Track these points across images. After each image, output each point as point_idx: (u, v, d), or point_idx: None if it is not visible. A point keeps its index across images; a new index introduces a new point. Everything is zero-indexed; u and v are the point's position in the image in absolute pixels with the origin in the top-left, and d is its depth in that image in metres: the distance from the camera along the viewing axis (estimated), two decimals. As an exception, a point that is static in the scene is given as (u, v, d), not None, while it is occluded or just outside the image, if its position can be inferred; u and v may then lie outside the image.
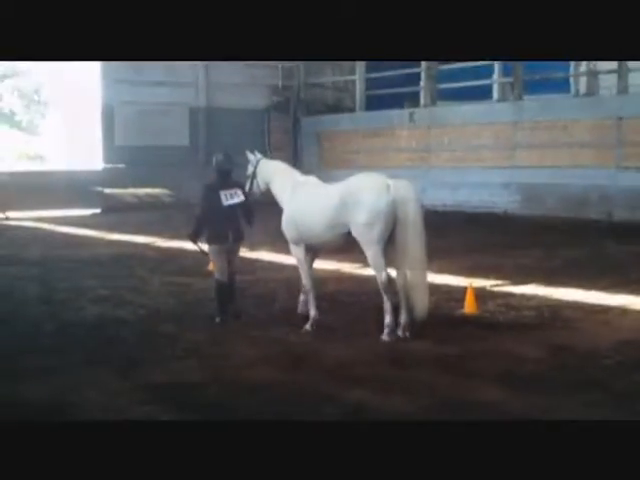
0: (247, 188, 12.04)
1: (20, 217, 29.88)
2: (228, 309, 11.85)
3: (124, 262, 17.86)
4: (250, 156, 12.30)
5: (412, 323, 10.58)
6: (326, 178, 12.17)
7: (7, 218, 30.04)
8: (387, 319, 10.54)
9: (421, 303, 10.47)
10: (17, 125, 60.60)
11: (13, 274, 16.32)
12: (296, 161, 35.66)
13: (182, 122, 35.33)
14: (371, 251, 10.53)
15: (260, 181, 12.05)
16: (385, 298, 10.58)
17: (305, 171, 12.90)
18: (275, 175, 11.92)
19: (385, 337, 10.48)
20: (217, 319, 11.69)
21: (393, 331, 10.53)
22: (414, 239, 10.35)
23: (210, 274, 12.85)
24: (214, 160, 11.97)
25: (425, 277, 10.63)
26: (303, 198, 11.32)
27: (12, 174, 37.15)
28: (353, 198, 10.55)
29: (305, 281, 11.52)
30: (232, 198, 11.64)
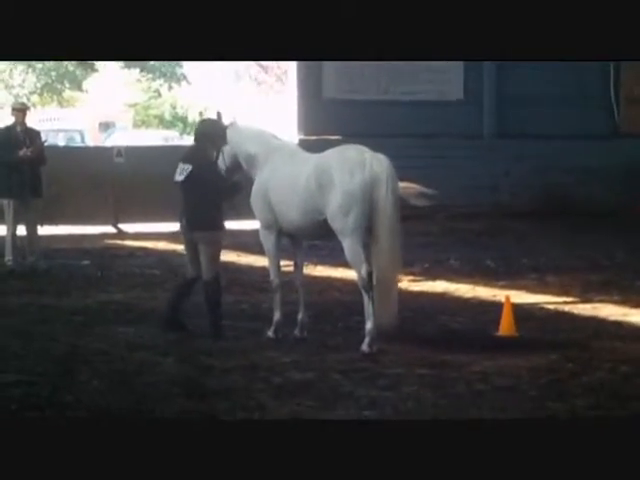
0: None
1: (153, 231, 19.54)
2: (182, 307, 9.88)
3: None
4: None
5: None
6: None
7: (120, 232, 20.10)
8: (369, 325, 8.89)
9: (388, 308, 9.01)
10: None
11: (129, 344, 9.53)
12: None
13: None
14: (347, 241, 9.06)
15: (226, 154, 9.82)
16: (366, 298, 8.92)
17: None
18: (245, 141, 9.80)
19: (365, 347, 8.85)
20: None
21: (374, 340, 8.85)
22: (384, 228, 8.88)
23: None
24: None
25: (395, 276, 9.25)
26: (276, 166, 9.53)
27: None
28: (326, 178, 9.02)
29: (273, 276, 9.79)
30: (180, 174, 9.64)
